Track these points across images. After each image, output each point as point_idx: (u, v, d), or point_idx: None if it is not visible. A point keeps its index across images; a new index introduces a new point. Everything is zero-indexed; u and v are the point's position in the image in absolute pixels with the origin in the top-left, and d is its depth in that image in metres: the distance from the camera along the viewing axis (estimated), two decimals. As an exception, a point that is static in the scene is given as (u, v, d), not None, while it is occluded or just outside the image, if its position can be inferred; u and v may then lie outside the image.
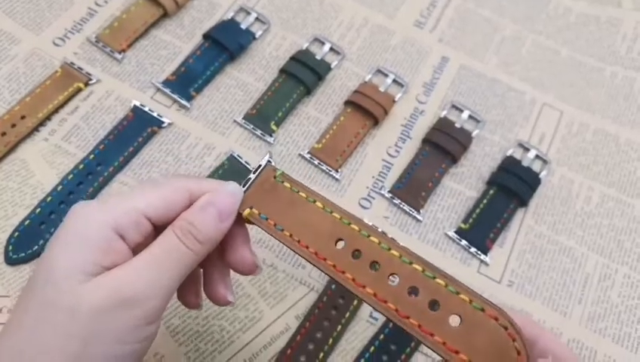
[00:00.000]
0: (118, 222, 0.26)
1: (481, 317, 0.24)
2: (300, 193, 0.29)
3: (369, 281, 0.26)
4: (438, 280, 0.25)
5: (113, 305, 0.24)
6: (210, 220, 0.27)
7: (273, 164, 0.30)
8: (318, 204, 0.28)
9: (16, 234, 0.39)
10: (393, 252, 0.26)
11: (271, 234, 0.28)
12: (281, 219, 0.28)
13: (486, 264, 0.43)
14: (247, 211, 0.29)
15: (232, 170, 0.44)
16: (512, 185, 0.45)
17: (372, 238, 0.26)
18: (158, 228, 0.27)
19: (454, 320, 0.24)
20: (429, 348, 0.24)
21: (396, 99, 0.49)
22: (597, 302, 0.42)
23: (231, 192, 0.28)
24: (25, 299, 0.25)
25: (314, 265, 0.27)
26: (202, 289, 0.30)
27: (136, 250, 0.26)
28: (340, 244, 0.27)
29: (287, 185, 0.29)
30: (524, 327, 0.24)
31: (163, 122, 0.45)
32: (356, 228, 0.27)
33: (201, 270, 0.30)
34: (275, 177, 0.29)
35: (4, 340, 0.24)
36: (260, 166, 0.30)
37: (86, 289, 0.24)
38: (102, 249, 0.25)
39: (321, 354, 0.38)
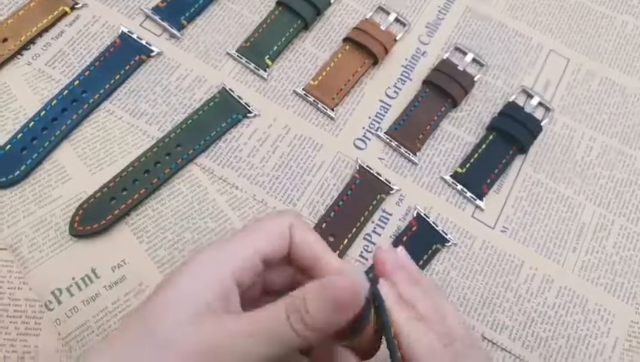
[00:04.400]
0: (237, 268, 0.26)
1: None
2: None
3: None
4: None
5: (205, 356, 0.23)
6: (325, 309, 0.24)
7: None
8: None
9: (-3, 158, 0.38)
10: None
11: None
12: None
13: (481, 209, 0.42)
14: None
15: (223, 103, 0.42)
16: (513, 131, 0.43)
17: None
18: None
19: None
20: None
21: (397, 38, 0.47)
22: (591, 251, 0.42)
23: (353, 283, 0.25)
24: (131, 323, 0.25)
25: None
26: None
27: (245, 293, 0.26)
28: None
29: None
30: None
31: (152, 51, 0.43)
32: None
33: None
34: None
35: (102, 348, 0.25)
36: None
37: (188, 332, 0.24)
38: (221, 299, 0.25)
39: (309, 291, 0.37)
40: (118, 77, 0.41)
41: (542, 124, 0.45)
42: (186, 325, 0.24)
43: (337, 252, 0.39)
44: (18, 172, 0.38)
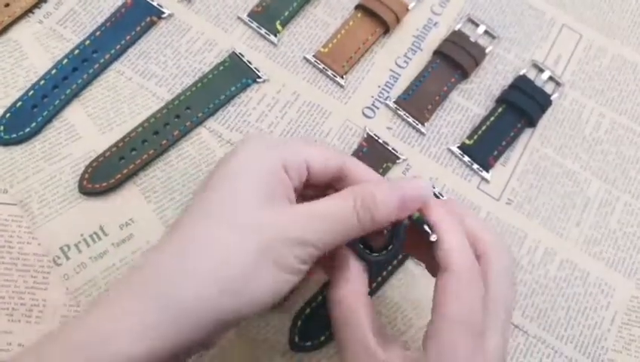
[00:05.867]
0: (287, 160, 0.27)
1: None
2: None
3: None
4: None
5: (279, 239, 0.25)
6: (392, 201, 0.27)
7: None
8: None
9: (8, 115, 0.38)
10: None
11: None
12: None
13: (487, 181, 0.42)
14: None
15: (233, 67, 0.42)
16: (522, 104, 0.43)
17: None
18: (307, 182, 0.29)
19: None
20: None
21: (410, 7, 0.46)
22: (595, 226, 0.42)
23: (420, 185, 0.28)
24: (198, 213, 0.26)
25: None
26: None
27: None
28: None
29: None
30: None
31: (163, 12, 0.43)
32: None
33: None
34: None
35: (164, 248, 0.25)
36: None
37: (262, 215, 0.25)
38: (277, 182, 0.26)
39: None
40: (128, 38, 0.41)
41: (551, 98, 0.44)
42: (258, 210, 0.25)
43: (343, 218, 0.39)
44: (29, 129, 0.38)
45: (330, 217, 0.26)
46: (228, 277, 0.24)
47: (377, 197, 0.27)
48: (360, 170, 0.29)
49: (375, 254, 0.29)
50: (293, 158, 0.27)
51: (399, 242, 0.28)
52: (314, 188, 0.30)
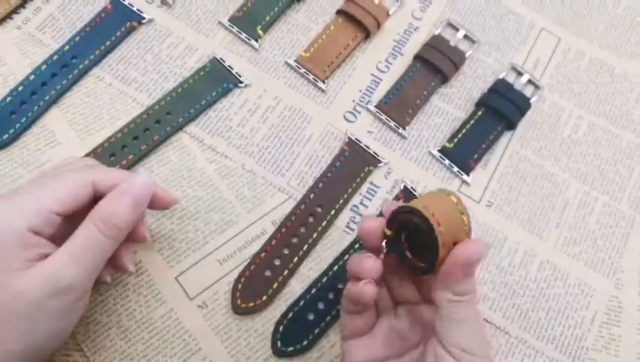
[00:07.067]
0: (31, 224, 0.28)
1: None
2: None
3: None
4: None
5: (51, 294, 0.27)
6: (128, 207, 0.30)
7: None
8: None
9: (-14, 121, 0.38)
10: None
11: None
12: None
13: (467, 183, 0.42)
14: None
15: (214, 72, 0.42)
16: (502, 108, 0.44)
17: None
18: (67, 216, 0.29)
19: None
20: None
21: (390, 12, 0.46)
22: (574, 227, 0.42)
23: (144, 181, 0.31)
24: None
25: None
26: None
27: (53, 238, 0.29)
28: None
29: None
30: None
31: (143, 17, 0.42)
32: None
33: None
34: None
35: None
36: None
37: (22, 283, 0.27)
38: (23, 248, 0.27)
39: (296, 259, 0.38)
40: (108, 43, 0.41)
41: (531, 101, 0.45)
42: (19, 278, 0.27)
43: (325, 223, 0.39)
44: (7, 135, 0.38)
45: (84, 252, 0.28)
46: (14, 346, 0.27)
47: (111, 209, 0.29)
48: (107, 180, 0.30)
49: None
50: (38, 219, 0.28)
51: (434, 246, 0.29)
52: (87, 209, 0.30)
